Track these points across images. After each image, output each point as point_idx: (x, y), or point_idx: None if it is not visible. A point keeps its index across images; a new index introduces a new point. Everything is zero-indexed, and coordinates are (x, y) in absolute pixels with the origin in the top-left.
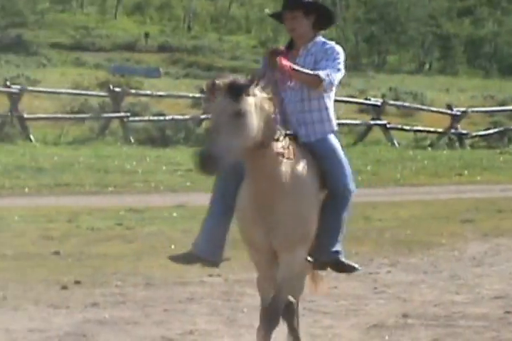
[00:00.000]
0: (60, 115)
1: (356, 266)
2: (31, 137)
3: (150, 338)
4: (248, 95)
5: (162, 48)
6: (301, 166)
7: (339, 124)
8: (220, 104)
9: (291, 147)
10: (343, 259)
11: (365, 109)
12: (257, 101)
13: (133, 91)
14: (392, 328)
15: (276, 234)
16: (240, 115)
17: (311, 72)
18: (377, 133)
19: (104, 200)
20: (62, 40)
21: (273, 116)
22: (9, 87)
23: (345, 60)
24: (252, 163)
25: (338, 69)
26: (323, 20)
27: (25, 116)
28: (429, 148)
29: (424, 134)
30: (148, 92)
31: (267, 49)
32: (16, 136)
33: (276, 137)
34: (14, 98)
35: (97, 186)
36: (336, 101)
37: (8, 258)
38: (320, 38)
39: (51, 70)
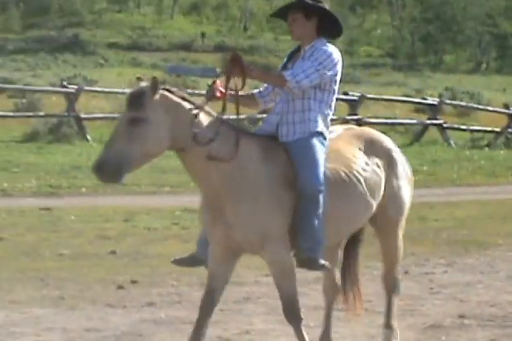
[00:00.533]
0: (116, 115)
1: (326, 264)
2: (88, 137)
3: (206, 338)
4: (151, 102)
5: (218, 48)
6: (250, 166)
7: (396, 124)
8: (120, 113)
9: (237, 147)
10: (315, 257)
11: (421, 108)
12: (165, 108)
13: (189, 90)
14: (448, 329)
15: (232, 234)
16: (135, 122)
17: (275, 74)
18: (433, 133)
19: (160, 200)
20: (119, 40)
21: (195, 119)
22: (66, 86)
23: (342, 61)
24: (185, 166)
25: (317, 70)
26: (328, 25)
27: (82, 116)
28: (486, 148)
29: (480, 134)
30: (204, 92)
31: (229, 56)
32: (73, 136)
33: (200, 140)
34: (71, 98)
35: (154, 186)
36: (392, 100)
37: (65, 257)
38: (321, 41)
39: (108, 70)
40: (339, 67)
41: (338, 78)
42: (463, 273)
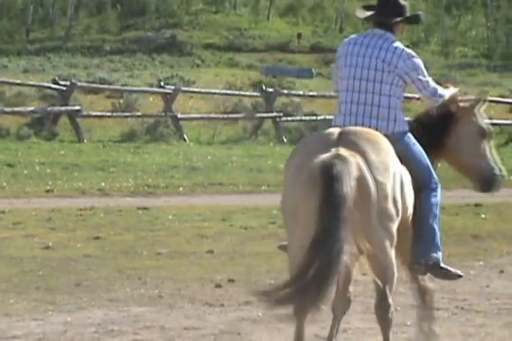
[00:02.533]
0: (213, 115)
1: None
2: (185, 137)
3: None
4: None
5: (314, 49)
6: None
7: (491, 124)
8: None
9: None
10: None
11: None
12: None
13: (285, 91)
14: None
15: None
16: None
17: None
18: None
19: (257, 199)
20: (216, 40)
21: None
22: (163, 87)
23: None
24: None
25: None
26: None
27: (179, 116)
28: None
29: None
30: (300, 92)
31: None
32: (170, 136)
33: None
34: (168, 98)
35: (251, 185)
36: (488, 101)
37: (163, 256)
38: None
39: (205, 71)
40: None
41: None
42: None
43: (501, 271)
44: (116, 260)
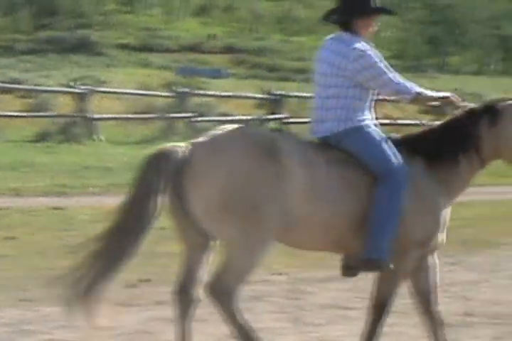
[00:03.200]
0: (126, 115)
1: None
2: (99, 137)
3: (217, 336)
4: None
5: (227, 49)
6: None
7: (398, 125)
8: None
9: None
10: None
11: (427, 109)
12: None
13: (198, 91)
14: (454, 326)
15: None
16: None
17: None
18: None
19: None
20: (129, 41)
21: None
22: (75, 87)
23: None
24: None
25: None
26: None
27: (93, 116)
28: None
29: None
30: (214, 93)
31: None
32: (84, 136)
33: None
34: (81, 98)
35: None
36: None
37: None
38: None
39: (118, 71)
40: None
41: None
42: (469, 271)
43: None
44: (30, 260)
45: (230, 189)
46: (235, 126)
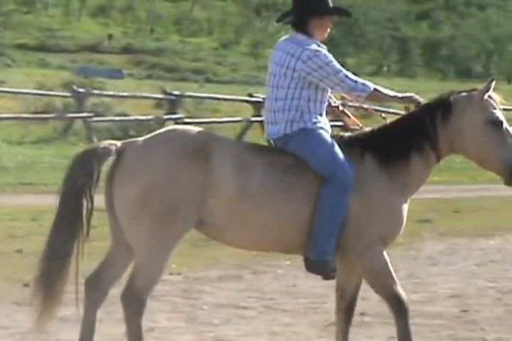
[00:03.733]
0: (23, 115)
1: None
2: None
3: (112, 335)
4: None
5: (125, 50)
6: None
7: None
8: None
9: None
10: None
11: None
12: None
13: (96, 91)
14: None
15: None
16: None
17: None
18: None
19: None
20: (27, 41)
21: None
22: None
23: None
24: None
25: None
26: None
27: None
28: None
29: None
30: (112, 93)
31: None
32: None
33: None
34: None
35: (59, 185)
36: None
37: None
38: None
39: (16, 71)
40: None
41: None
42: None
43: None
44: None
45: (150, 188)
46: (178, 126)
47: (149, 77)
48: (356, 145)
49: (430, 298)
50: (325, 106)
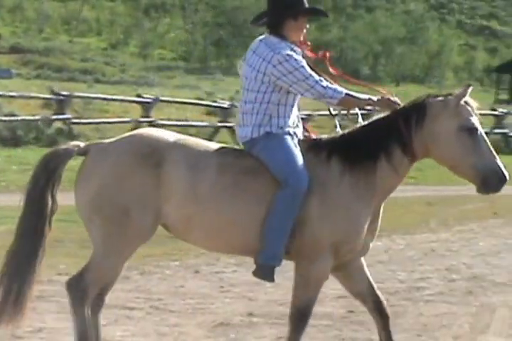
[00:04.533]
0: None
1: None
2: None
3: None
4: None
5: (13, 49)
6: None
7: (188, 126)
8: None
9: None
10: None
11: (213, 111)
12: None
13: None
14: (237, 326)
15: None
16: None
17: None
18: (224, 135)
19: None
20: None
21: None
22: None
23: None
24: None
25: None
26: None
27: None
28: None
29: None
30: (0, 93)
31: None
32: None
33: None
34: None
35: None
36: (184, 103)
37: None
38: None
39: None
40: None
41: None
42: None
43: (196, 271)
44: None
45: (101, 191)
46: (147, 129)
47: (38, 76)
48: (324, 148)
49: (318, 299)
50: (295, 109)
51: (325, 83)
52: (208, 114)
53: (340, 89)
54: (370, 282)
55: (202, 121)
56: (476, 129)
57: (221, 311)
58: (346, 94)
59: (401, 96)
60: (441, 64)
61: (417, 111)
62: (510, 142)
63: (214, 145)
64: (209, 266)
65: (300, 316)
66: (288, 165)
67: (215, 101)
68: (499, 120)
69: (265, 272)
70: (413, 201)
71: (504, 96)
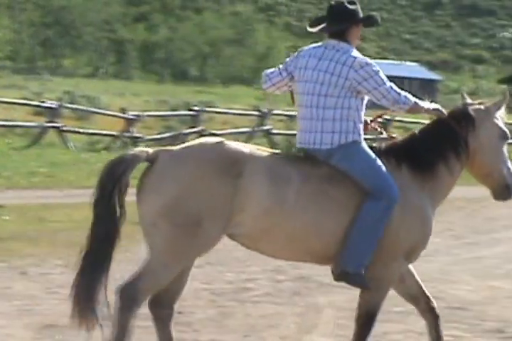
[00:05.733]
0: None
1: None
2: None
3: None
4: None
5: None
6: None
7: (14, 126)
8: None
9: None
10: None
11: (40, 111)
12: None
13: None
14: (64, 328)
15: None
16: None
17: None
18: (52, 136)
19: None
20: None
21: None
22: None
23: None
24: None
25: None
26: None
27: None
28: (103, 151)
29: (98, 137)
30: None
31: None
32: None
33: None
34: None
35: None
36: (11, 103)
37: None
38: None
39: None
40: None
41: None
42: None
43: (23, 273)
44: None
45: (179, 199)
46: (213, 138)
47: None
48: (390, 156)
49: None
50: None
51: (398, 89)
52: (36, 114)
53: (410, 96)
54: (420, 284)
55: (29, 121)
56: (509, 138)
57: (48, 313)
58: (414, 101)
59: (230, 97)
60: (268, 66)
61: (465, 118)
62: None
63: (283, 154)
64: (36, 267)
65: (368, 318)
66: (379, 175)
67: (43, 102)
68: None
69: (358, 280)
70: None
71: None
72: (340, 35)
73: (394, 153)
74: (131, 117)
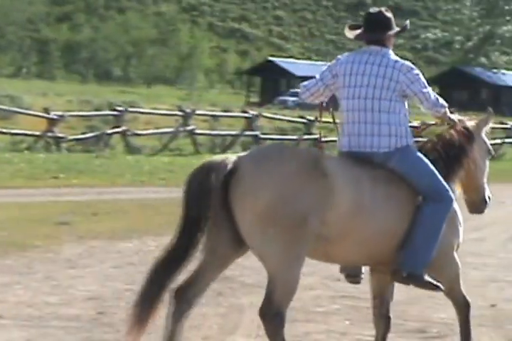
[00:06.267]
0: None
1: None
2: None
3: None
4: None
5: None
6: None
7: None
8: None
9: None
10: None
11: None
12: None
13: None
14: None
15: None
16: None
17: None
18: None
19: None
20: None
21: None
22: None
23: None
24: None
25: None
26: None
27: None
28: (26, 151)
29: (21, 137)
30: None
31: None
32: None
33: None
34: None
35: None
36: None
37: None
38: None
39: None
40: None
41: None
42: (1, 274)
43: None
44: None
45: (279, 202)
46: (276, 143)
47: None
48: (428, 158)
49: (67, 301)
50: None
51: (434, 93)
52: None
53: (443, 101)
54: (393, 287)
55: None
56: (492, 153)
57: None
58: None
59: (153, 97)
60: (192, 66)
61: (468, 133)
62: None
63: (344, 156)
64: None
65: (466, 306)
66: (436, 178)
67: None
68: (249, 122)
69: (423, 281)
70: (163, 202)
71: (255, 98)
72: (380, 41)
73: (431, 155)
74: (54, 117)
